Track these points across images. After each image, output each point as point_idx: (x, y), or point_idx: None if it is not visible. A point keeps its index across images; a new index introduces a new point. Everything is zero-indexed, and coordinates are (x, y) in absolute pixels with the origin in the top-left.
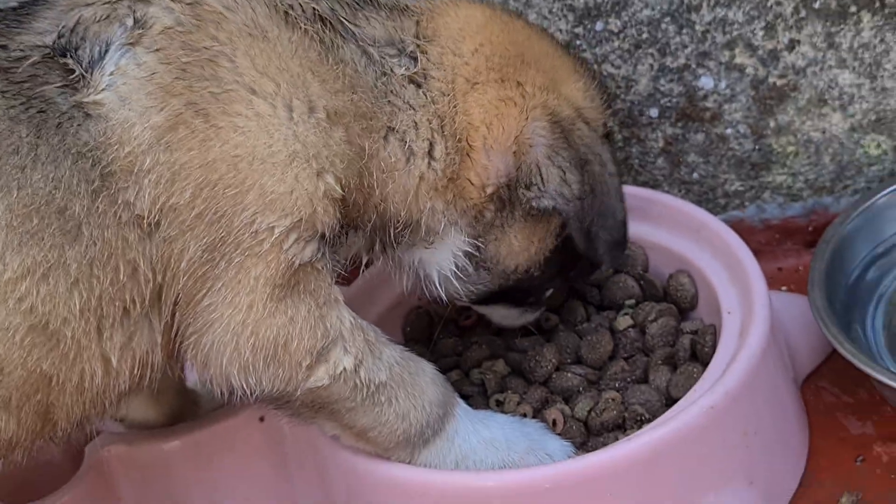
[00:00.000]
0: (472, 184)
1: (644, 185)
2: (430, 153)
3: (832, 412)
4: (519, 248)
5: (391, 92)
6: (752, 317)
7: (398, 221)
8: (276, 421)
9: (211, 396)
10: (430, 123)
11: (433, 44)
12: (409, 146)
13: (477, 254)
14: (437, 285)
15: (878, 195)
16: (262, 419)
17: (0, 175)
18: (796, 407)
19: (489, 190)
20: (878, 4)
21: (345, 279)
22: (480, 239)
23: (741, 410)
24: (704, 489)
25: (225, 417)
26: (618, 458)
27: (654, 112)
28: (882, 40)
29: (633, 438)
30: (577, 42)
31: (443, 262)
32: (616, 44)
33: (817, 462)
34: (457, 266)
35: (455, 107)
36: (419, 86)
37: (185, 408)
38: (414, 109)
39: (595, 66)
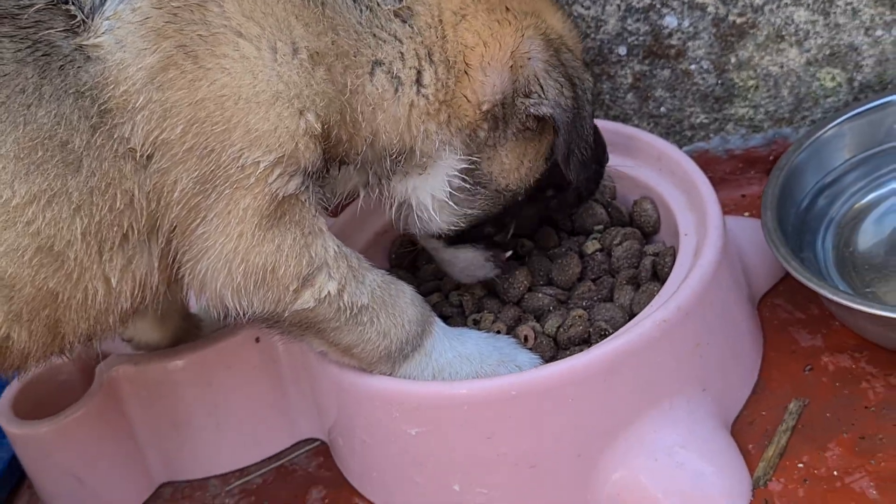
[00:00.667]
0: (469, 101)
1: (615, 118)
2: (418, 81)
3: (785, 327)
4: (510, 167)
5: (376, 26)
6: (706, 238)
7: (392, 150)
8: (271, 341)
9: (212, 320)
10: (416, 53)
11: None
12: (397, 76)
13: (470, 174)
14: (432, 211)
15: (826, 127)
16: (257, 340)
17: (8, 112)
18: (749, 322)
19: (485, 107)
20: None
21: (334, 211)
22: (475, 157)
23: (693, 324)
24: (660, 395)
25: (223, 338)
26: (577, 367)
27: (622, 50)
28: None
29: (591, 350)
30: None
31: (437, 185)
32: None
33: (769, 372)
34: (451, 187)
35: (444, 36)
36: (404, 20)
37: (188, 330)
38: (400, 42)
39: (566, 7)
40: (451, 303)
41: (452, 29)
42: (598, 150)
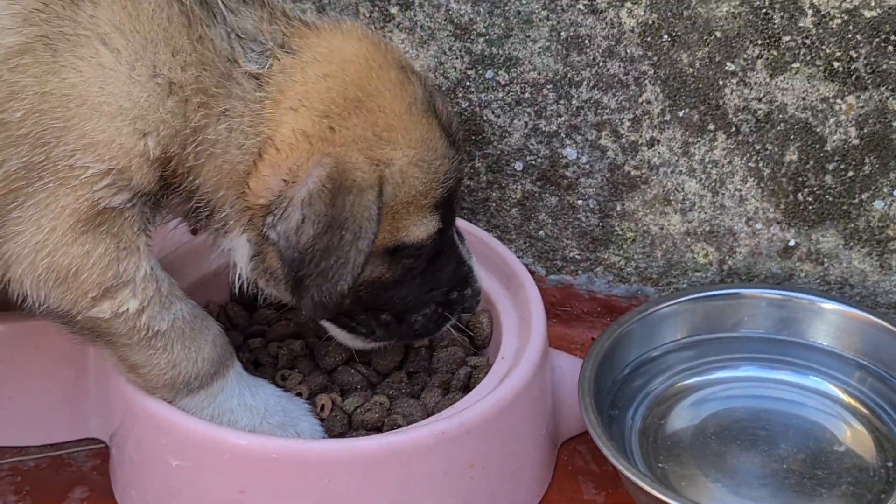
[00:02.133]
0: (251, 188)
1: (495, 227)
2: (241, 146)
3: (576, 475)
4: (283, 274)
5: (234, 80)
6: (516, 368)
7: (201, 200)
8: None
9: None
10: (250, 121)
11: (290, 56)
12: (232, 134)
13: (261, 261)
14: (243, 279)
15: (671, 301)
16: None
17: None
18: (537, 459)
19: (261, 201)
20: (733, 129)
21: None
22: (260, 247)
23: (472, 443)
24: (420, 503)
25: (41, 318)
26: (342, 451)
27: (518, 165)
28: (730, 161)
29: (361, 438)
30: (467, 83)
31: (241, 259)
32: (500, 95)
33: None
34: (252, 268)
35: (271, 118)
36: (260, 86)
37: (9, 300)
38: (245, 104)
39: (477, 110)
40: (269, 352)
41: (282, 113)
42: (450, 300)
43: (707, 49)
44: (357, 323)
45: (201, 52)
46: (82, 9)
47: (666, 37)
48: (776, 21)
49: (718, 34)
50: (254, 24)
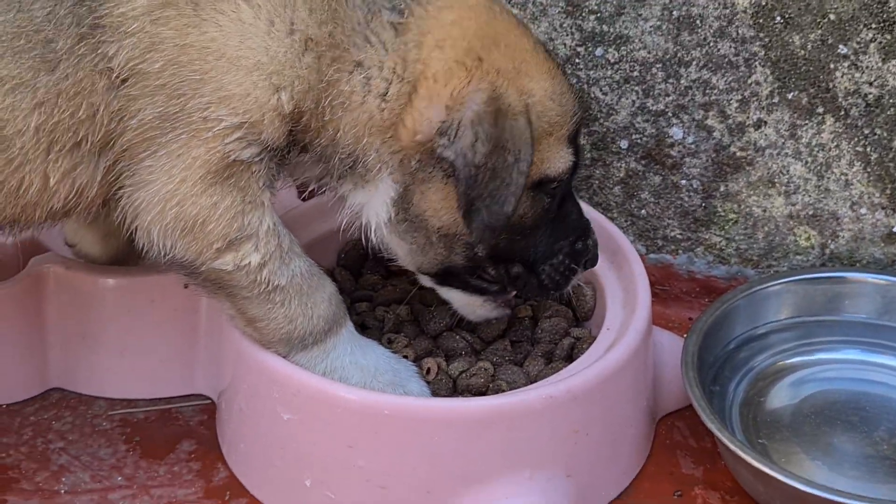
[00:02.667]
0: (406, 126)
1: (597, 205)
2: (384, 94)
3: (674, 449)
4: (437, 207)
5: (371, 31)
6: (622, 338)
7: (343, 152)
8: (198, 292)
9: None
10: (394, 67)
11: (422, 6)
12: (370, 83)
13: (405, 204)
14: (374, 234)
15: (775, 281)
16: (186, 286)
17: None
18: (637, 430)
19: (419, 137)
20: (842, 113)
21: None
22: (408, 188)
23: (577, 409)
24: (523, 464)
25: (156, 273)
26: (453, 410)
27: (624, 144)
28: (837, 146)
29: (469, 400)
30: (576, 60)
31: (378, 208)
32: (608, 72)
33: (641, 484)
34: (391, 214)
35: (418, 59)
36: (398, 33)
37: (129, 255)
38: (386, 51)
39: (585, 87)
40: (376, 316)
41: (427, 53)
42: (576, 250)
43: (820, 31)
44: (489, 280)
45: (335, 9)
46: None
47: (779, 18)
48: (892, 5)
49: (832, 17)
50: None
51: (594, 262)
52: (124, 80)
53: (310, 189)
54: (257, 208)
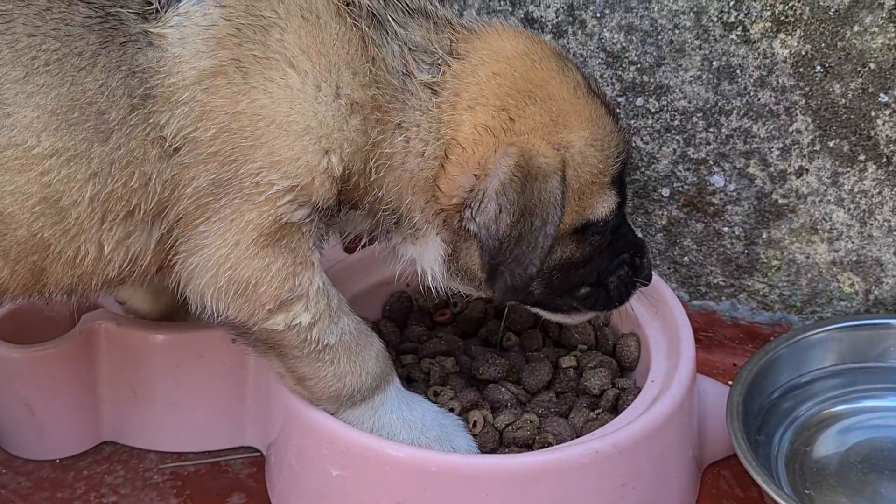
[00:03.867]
0: (442, 190)
1: None
2: (422, 153)
3: (720, 499)
4: (480, 262)
5: (409, 92)
6: (668, 390)
7: (387, 209)
8: (246, 347)
9: None
10: (430, 127)
11: (459, 61)
12: (410, 143)
13: (455, 260)
14: (430, 283)
15: (820, 328)
16: (234, 341)
17: (61, 69)
18: (685, 481)
19: (454, 200)
20: (884, 160)
21: (349, 249)
22: (455, 245)
23: (623, 463)
24: None
25: (204, 329)
26: (501, 467)
27: (665, 192)
28: (880, 192)
29: (520, 455)
30: (617, 110)
31: (431, 263)
32: (649, 122)
33: None
34: (445, 268)
35: (451, 119)
36: (435, 93)
37: (178, 311)
38: (422, 112)
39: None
40: (422, 369)
41: (460, 114)
42: (636, 265)
43: (860, 80)
44: (556, 308)
45: (375, 72)
46: (271, 34)
47: (819, 67)
48: None
49: (872, 65)
50: (422, 36)
51: (649, 279)
52: (177, 149)
53: (353, 241)
54: (307, 269)
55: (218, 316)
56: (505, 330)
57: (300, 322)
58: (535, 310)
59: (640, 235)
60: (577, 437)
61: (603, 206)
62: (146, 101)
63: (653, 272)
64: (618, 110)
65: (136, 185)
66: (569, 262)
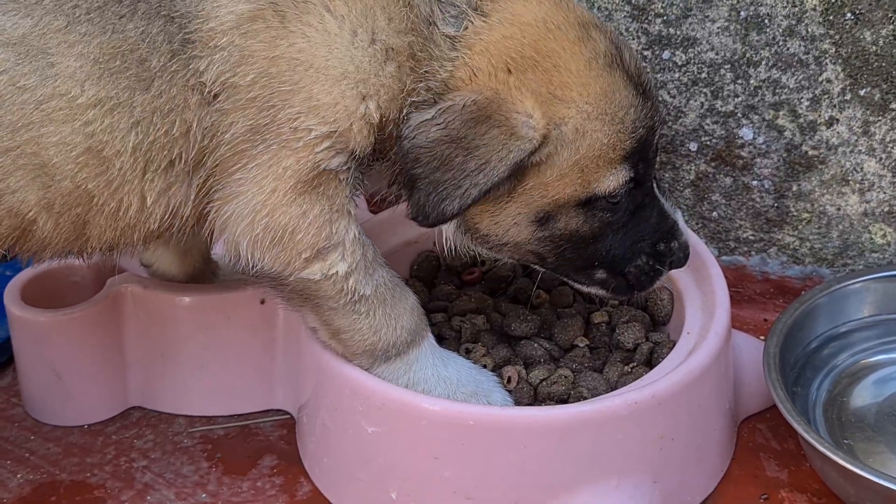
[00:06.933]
0: None
1: None
2: (436, 102)
3: (758, 452)
4: (483, 221)
5: (432, 41)
6: (703, 342)
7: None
8: (275, 306)
9: (229, 269)
10: (444, 80)
11: (483, 19)
12: (429, 94)
13: (462, 218)
14: (444, 242)
15: (855, 279)
16: (262, 301)
17: (102, 17)
18: (722, 435)
19: None
20: None
21: (375, 209)
22: None
23: (662, 415)
24: (610, 471)
25: (232, 289)
26: (539, 418)
27: (693, 146)
28: None
29: (558, 406)
30: (649, 87)
31: None
32: (676, 75)
33: (726, 488)
34: (453, 227)
35: (461, 75)
36: (454, 47)
37: (204, 273)
38: (441, 63)
39: (659, 86)
40: (453, 327)
41: (465, 72)
42: (658, 251)
43: (891, 27)
44: (577, 280)
45: (410, 18)
46: None
47: (849, 14)
48: None
49: None
50: None
51: (681, 263)
52: (216, 96)
53: (374, 199)
54: (344, 217)
55: (253, 266)
56: (535, 288)
57: (337, 272)
58: (556, 275)
59: (671, 217)
60: (613, 391)
61: (610, 181)
62: (186, 47)
63: (688, 231)
64: (645, 64)
65: (178, 133)
66: (577, 234)
